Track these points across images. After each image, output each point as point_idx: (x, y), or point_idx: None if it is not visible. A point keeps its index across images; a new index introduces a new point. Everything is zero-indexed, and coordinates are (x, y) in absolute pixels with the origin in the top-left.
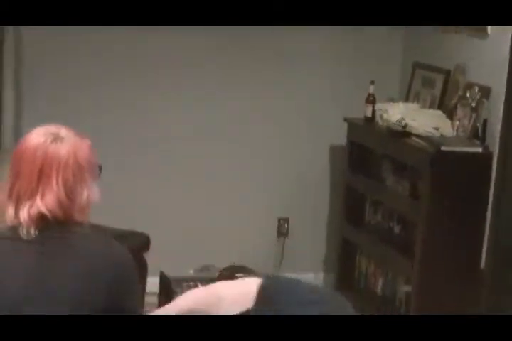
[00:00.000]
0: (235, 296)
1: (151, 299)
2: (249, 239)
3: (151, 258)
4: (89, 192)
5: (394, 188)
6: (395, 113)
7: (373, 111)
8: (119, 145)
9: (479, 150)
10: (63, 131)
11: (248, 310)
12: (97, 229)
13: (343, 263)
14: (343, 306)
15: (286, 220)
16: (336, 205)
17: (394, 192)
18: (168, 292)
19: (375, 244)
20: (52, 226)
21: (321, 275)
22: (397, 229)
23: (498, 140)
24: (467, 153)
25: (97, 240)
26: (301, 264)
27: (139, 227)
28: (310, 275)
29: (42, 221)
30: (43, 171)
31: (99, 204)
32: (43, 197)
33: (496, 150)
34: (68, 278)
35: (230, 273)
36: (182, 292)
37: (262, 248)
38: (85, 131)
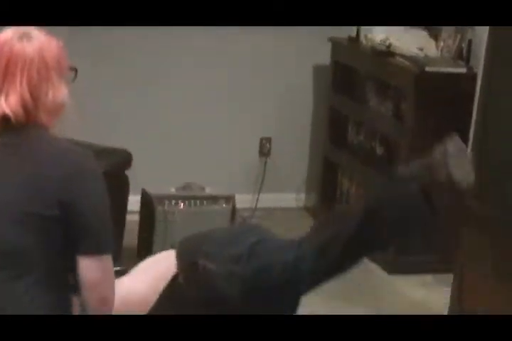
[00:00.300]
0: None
1: (132, 217)
2: (232, 158)
3: (132, 175)
4: (56, 93)
5: (377, 109)
6: (379, 33)
7: (358, 31)
8: (109, 58)
9: (464, 70)
10: (33, 31)
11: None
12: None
13: (325, 184)
14: (266, 230)
15: (269, 140)
16: (319, 126)
17: (377, 113)
18: (149, 210)
19: (357, 164)
20: (13, 131)
21: (302, 196)
22: (379, 150)
23: (482, 61)
24: (451, 74)
25: (56, 144)
26: (283, 184)
27: (120, 144)
28: (291, 195)
29: (4, 123)
30: (8, 69)
31: (80, 120)
32: (7, 97)
33: (480, 70)
34: (14, 187)
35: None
36: (163, 210)
37: (244, 167)
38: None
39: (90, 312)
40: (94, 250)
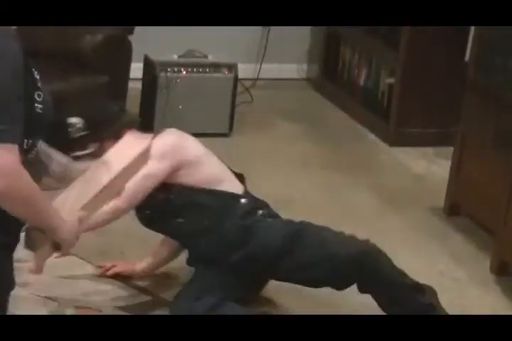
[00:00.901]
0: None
1: (134, 84)
2: (234, 27)
3: (135, 42)
4: None
5: None
6: None
7: None
8: None
9: None
10: None
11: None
12: None
13: (327, 55)
14: None
15: None
16: None
17: None
18: (152, 76)
19: (360, 34)
20: None
21: (304, 67)
22: None
23: None
24: None
25: None
26: (285, 55)
27: None
28: (293, 65)
29: None
30: None
31: None
32: None
33: None
34: None
35: None
36: (166, 76)
37: (247, 37)
38: None
39: None
40: None
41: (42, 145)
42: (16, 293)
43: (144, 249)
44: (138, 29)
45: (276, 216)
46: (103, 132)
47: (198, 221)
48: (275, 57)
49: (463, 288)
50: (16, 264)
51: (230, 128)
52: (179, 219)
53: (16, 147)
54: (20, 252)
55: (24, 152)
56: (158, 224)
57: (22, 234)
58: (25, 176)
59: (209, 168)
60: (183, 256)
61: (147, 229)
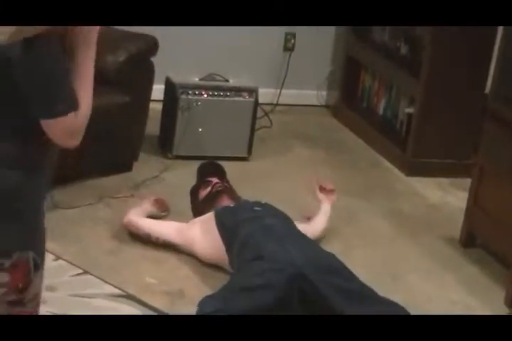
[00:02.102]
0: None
1: (156, 106)
2: (256, 52)
3: (157, 64)
4: None
5: None
6: None
7: None
8: None
9: None
10: None
11: None
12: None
13: (347, 82)
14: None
15: (293, 35)
16: None
17: None
18: (173, 98)
19: (381, 62)
20: None
21: (324, 93)
22: (404, 49)
23: None
24: None
25: None
26: (305, 80)
27: (147, 29)
28: (313, 92)
29: None
30: None
31: None
32: None
33: None
34: None
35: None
36: (187, 99)
37: (268, 62)
38: None
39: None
40: (47, 114)
41: None
42: None
43: (161, 270)
44: (160, 51)
45: None
46: None
47: None
48: (295, 83)
49: None
50: None
51: (249, 152)
52: None
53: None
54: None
55: None
56: None
57: None
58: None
59: None
60: (199, 276)
61: (165, 252)
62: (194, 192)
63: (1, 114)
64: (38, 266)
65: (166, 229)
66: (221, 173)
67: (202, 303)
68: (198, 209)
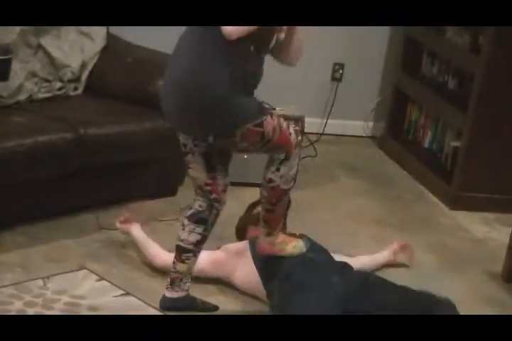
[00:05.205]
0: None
1: None
2: (304, 81)
3: None
4: None
5: (454, 40)
6: None
7: None
8: None
9: None
10: None
11: None
12: None
13: (394, 114)
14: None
15: (342, 66)
16: (393, 54)
17: (453, 45)
18: None
19: (429, 95)
20: None
21: (370, 124)
22: (452, 83)
23: None
24: None
25: None
26: (352, 111)
27: None
28: (359, 123)
29: None
30: None
31: None
32: None
33: None
34: None
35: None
36: None
37: (315, 91)
38: None
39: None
40: None
41: None
42: None
43: (202, 295)
44: None
45: None
46: None
47: None
48: (342, 113)
49: None
50: (75, 301)
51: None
52: None
53: None
54: (80, 289)
55: None
56: None
57: None
58: None
59: None
60: (239, 302)
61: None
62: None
63: None
64: (261, 123)
65: (202, 261)
66: None
67: None
68: (240, 229)
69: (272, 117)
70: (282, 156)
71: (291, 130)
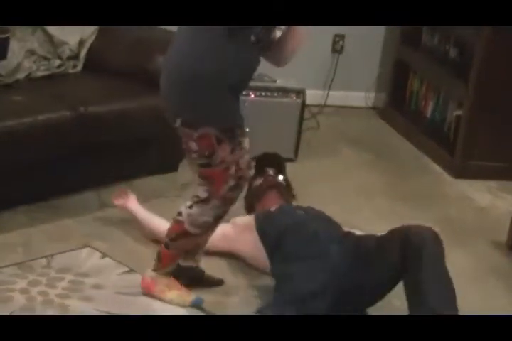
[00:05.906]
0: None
1: None
2: (304, 53)
3: None
4: None
5: None
6: None
7: None
8: None
9: None
10: None
11: None
12: None
13: (395, 85)
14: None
15: (342, 37)
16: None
17: None
18: None
19: (430, 65)
20: None
21: (372, 95)
22: (453, 52)
23: None
24: None
25: None
26: (353, 83)
27: None
28: (361, 94)
29: None
30: None
31: None
32: None
33: None
34: None
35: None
36: None
37: (316, 64)
38: None
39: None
40: None
41: None
42: (80, 308)
43: (207, 269)
44: None
45: None
46: None
47: None
48: (343, 84)
49: None
50: (79, 279)
51: (296, 153)
52: None
53: None
54: (84, 267)
55: None
56: None
57: None
58: None
59: None
60: (244, 275)
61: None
62: (249, 182)
63: None
64: (221, 140)
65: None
66: (278, 166)
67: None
68: (248, 201)
69: (234, 149)
70: (203, 196)
71: (233, 183)
